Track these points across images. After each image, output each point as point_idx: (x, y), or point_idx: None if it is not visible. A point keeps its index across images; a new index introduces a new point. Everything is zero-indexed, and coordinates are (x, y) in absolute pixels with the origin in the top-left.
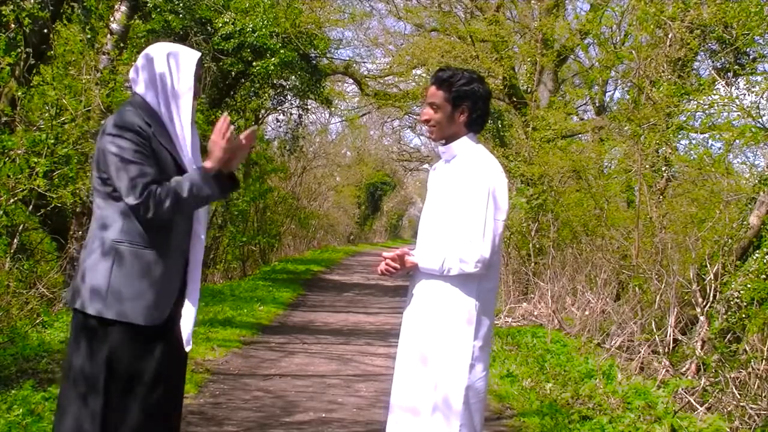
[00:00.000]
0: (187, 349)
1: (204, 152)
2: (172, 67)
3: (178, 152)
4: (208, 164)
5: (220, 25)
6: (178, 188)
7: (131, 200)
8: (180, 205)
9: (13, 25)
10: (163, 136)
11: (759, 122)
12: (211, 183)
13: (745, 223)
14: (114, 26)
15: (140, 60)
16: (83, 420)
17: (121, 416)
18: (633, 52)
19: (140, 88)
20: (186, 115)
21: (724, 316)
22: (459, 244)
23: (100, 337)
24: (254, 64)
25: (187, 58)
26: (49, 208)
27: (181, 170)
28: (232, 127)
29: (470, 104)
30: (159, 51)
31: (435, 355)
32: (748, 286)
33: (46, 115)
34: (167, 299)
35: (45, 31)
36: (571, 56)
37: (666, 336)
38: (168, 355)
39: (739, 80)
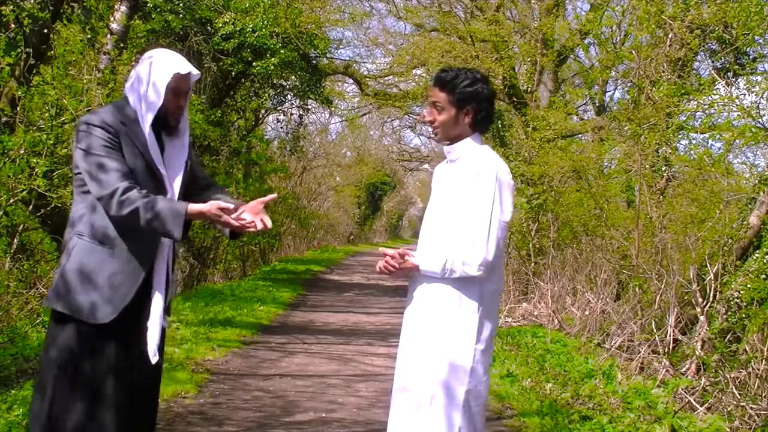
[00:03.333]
0: (153, 361)
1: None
2: (152, 73)
3: (150, 155)
4: (193, 208)
5: (220, 25)
6: (146, 206)
7: (95, 191)
8: (136, 221)
9: (13, 25)
10: (137, 136)
11: (759, 122)
12: (179, 224)
13: (745, 223)
14: (114, 26)
15: (138, 61)
16: (39, 412)
17: (66, 411)
18: (633, 52)
19: (127, 89)
20: (148, 121)
21: (724, 316)
22: (462, 246)
23: (54, 328)
24: (254, 64)
25: (166, 67)
26: (49, 208)
27: (153, 173)
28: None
29: (475, 105)
30: (147, 55)
31: (435, 358)
32: (748, 286)
33: (46, 115)
34: (118, 299)
35: (45, 31)
36: (571, 56)
37: (666, 336)
38: (123, 356)
39: (739, 80)
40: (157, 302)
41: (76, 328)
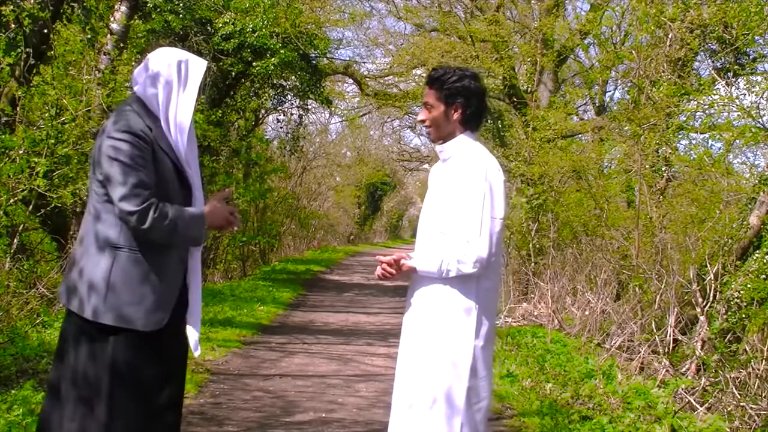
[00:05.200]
0: (196, 354)
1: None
2: (182, 75)
3: (178, 158)
4: (208, 209)
5: (220, 25)
6: (180, 215)
7: (129, 207)
8: (172, 235)
9: (13, 25)
10: (163, 140)
11: (759, 122)
12: (204, 228)
13: (745, 223)
14: (114, 26)
15: (148, 62)
16: (89, 428)
17: (126, 421)
18: (633, 52)
19: (143, 90)
20: (185, 124)
21: (724, 316)
22: (456, 245)
23: (100, 342)
24: (254, 64)
25: (196, 67)
26: (49, 208)
27: (181, 176)
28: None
29: (463, 101)
30: (169, 57)
31: (436, 357)
32: (748, 286)
33: (46, 115)
34: (166, 305)
35: (45, 31)
36: (571, 56)
37: (666, 336)
38: (169, 359)
39: (739, 80)
40: (195, 296)
41: (126, 338)
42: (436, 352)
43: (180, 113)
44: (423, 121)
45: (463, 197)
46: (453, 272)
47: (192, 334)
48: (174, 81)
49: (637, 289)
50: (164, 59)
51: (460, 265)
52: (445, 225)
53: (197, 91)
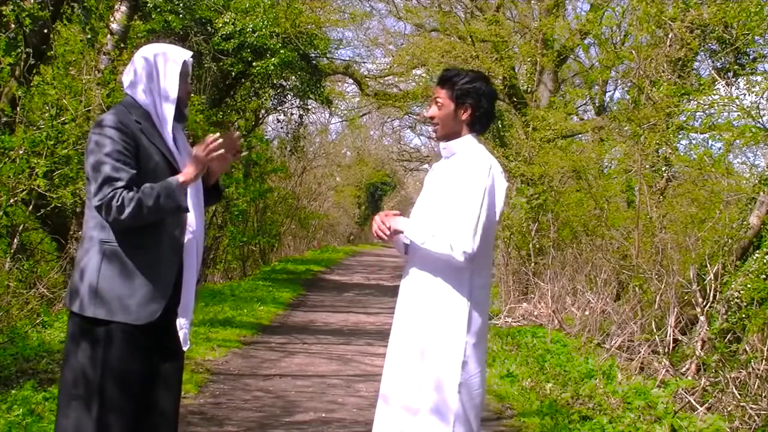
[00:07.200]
0: (185, 348)
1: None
2: (160, 67)
3: (169, 150)
4: (183, 175)
5: (220, 25)
6: (144, 196)
7: (95, 201)
8: (142, 214)
9: (13, 25)
10: (153, 134)
11: (759, 122)
12: (182, 194)
13: (745, 223)
14: (114, 26)
15: (132, 61)
16: (83, 424)
17: (118, 417)
18: (633, 52)
19: (130, 89)
20: (168, 115)
21: (724, 316)
22: (450, 233)
23: (95, 338)
24: (254, 64)
25: (174, 57)
26: (49, 208)
27: (173, 168)
28: (219, 142)
29: (473, 102)
30: (148, 52)
31: (427, 352)
32: (748, 286)
33: (46, 115)
34: (159, 297)
35: (45, 31)
36: (571, 56)
37: (666, 336)
38: (164, 353)
39: (739, 80)
40: (188, 290)
41: (119, 331)
42: (428, 349)
43: (164, 106)
44: (432, 118)
45: (462, 191)
46: (438, 248)
47: (181, 327)
48: (153, 75)
49: (637, 289)
50: (143, 54)
51: (451, 249)
52: (441, 218)
53: (177, 81)
